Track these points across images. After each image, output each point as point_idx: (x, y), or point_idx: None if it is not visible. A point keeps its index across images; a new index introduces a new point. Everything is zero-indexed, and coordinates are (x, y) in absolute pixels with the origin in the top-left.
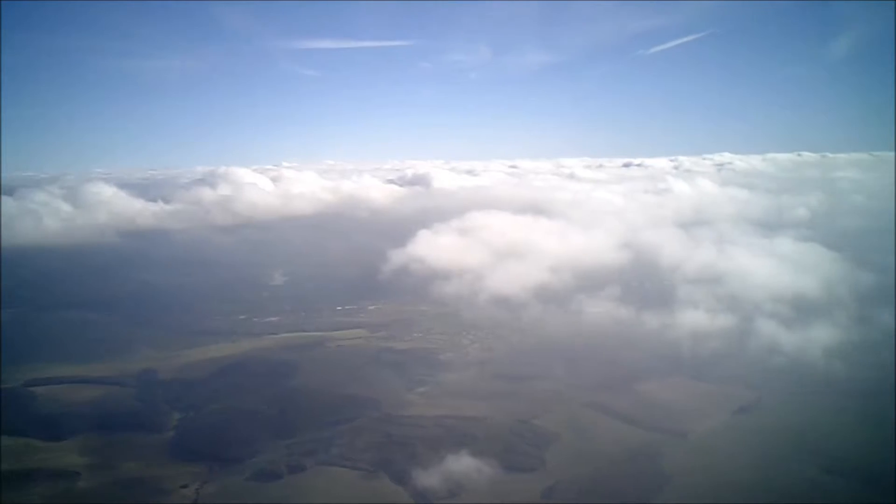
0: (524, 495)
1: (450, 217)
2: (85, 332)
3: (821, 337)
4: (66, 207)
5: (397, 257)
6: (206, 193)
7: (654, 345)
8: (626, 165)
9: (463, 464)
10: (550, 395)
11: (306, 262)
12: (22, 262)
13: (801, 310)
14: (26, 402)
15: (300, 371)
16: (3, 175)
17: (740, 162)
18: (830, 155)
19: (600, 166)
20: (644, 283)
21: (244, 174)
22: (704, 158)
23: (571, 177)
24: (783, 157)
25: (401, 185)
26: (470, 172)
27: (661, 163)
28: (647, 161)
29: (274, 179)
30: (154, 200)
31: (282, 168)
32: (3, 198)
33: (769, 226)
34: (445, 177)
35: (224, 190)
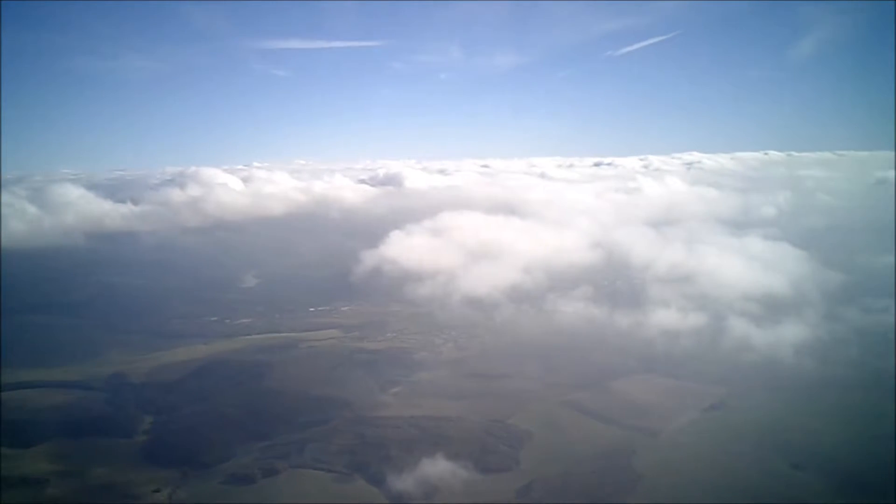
0: (499, 495)
1: (422, 217)
2: (52, 335)
3: (790, 334)
4: (31, 209)
5: (370, 258)
6: (176, 194)
7: (627, 343)
8: (597, 165)
9: (438, 466)
10: (524, 394)
11: (278, 263)
12: None
13: (771, 308)
14: None
15: (273, 373)
16: None
17: (709, 161)
18: (796, 154)
19: (571, 166)
20: (616, 282)
21: (214, 174)
22: (674, 157)
23: (543, 176)
24: (750, 155)
25: (373, 185)
26: (442, 172)
27: (632, 162)
28: (618, 160)
29: (245, 180)
30: (123, 202)
31: (253, 168)
32: None
33: (738, 224)
34: (417, 176)
35: (194, 191)
